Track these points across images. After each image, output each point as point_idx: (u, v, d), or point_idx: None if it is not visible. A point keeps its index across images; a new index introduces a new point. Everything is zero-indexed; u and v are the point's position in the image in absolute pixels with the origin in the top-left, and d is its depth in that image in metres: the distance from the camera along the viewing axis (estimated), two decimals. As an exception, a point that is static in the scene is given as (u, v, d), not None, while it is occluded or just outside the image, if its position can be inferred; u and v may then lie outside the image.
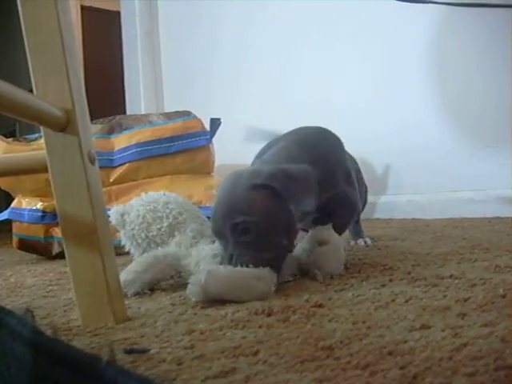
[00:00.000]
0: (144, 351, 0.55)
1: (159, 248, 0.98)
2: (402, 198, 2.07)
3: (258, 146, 1.09)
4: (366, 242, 1.32)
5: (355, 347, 0.51)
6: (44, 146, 0.69)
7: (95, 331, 0.65)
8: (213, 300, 0.76)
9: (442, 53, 2.02)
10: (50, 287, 1.02)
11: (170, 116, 1.74)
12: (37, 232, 1.58)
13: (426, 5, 1.80)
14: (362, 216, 1.41)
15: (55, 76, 0.67)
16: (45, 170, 0.69)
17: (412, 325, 0.58)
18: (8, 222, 1.64)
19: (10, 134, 4.24)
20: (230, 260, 0.84)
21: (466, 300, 0.67)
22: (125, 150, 1.65)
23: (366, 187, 1.40)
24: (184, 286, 0.91)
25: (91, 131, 0.75)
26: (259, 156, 1.06)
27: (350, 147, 1.18)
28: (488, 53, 1.92)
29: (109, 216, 1.01)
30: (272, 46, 2.51)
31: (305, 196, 0.90)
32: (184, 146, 1.65)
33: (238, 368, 0.48)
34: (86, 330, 0.66)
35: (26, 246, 1.63)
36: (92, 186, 0.69)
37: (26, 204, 1.61)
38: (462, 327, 0.56)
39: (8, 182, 1.61)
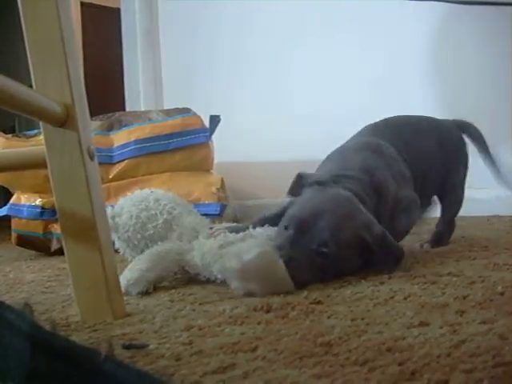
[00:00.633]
0: (143, 347, 0.55)
1: (159, 243, 0.95)
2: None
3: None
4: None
5: (354, 343, 0.51)
6: (43, 141, 0.69)
7: (94, 327, 0.65)
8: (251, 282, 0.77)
9: (441, 52, 2.02)
10: (49, 283, 1.02)
11: (170, 113, 1.74)
12: (36, 228, 1.57)
13: (424, 2, 1.79)
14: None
15: (55, 71, 0.67)
16: (44, 165, 0.69)
17: (410, 322, 0.58)
18: (7, 218, 1.63)
19: (10, 129, 4.23)
20: (287, 259, 0.81)
21: (464, 297, 0.67)
22: (124, 146, 1.64)
23: None
24: (185, 282, 0.91)
25: (91, 127, 0.75)
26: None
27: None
28: (487, 52, 1.92)
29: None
30: (272, 44, 2.51)
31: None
32: (183, 143, 1.65)
33: (236, 364, 0.48)
34: (84, 326, 0.66)
35: (25, 242, 1.62)
36: (91, 182, 0.68)
37: (25, 200, 1.60)
38: (461, 324, 0.56)
39: (7, 177, 1.61)
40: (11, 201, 1.63)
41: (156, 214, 0.99)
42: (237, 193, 1.99)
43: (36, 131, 1.64)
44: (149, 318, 0.68)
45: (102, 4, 4.44)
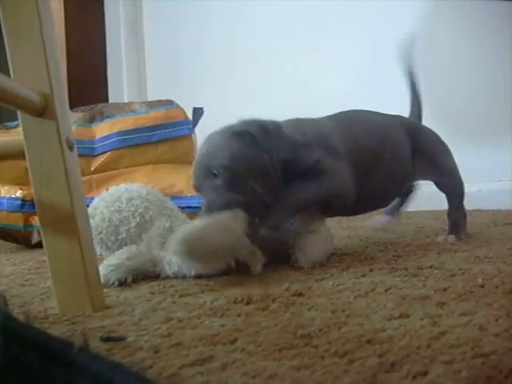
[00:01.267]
0: (121, 339, 0.54)
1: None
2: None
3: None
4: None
5: (334, 335, 0.51)
6: (21, 131, 0.67)
7: (72, 319, 0.64)
8: (196, 255, 0.77)
9: (430, 45, 2.02)
10: (29, 276, 1.01)
11: (153, 105, 1.73)
12: (16, 221, 1.56)
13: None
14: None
15: (33, 60, 0.66)
16: (22, 155, 0.68)
17: (391, 314, 0.58)
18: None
19: (-10, 121, 4.17)
20: (206, 208, 0.86)
21: (445, 290, 0.67)
22: (106, 138, 1.63)
23: None
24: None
25: (71, 118, 0.74)
26: None
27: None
28: (477, 45, 1.92)
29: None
30: (260, 36, 2.50)
31: (279, 148, 0.90)
32: (166, 135, 1.64)
33: (215, 356, 0.47)
34: (63, 318, 0.65)
35: (5, 234, 1.60)
36: (70, 173, 0.67)
37: (5, 192, 1.58)
38: (441, 316, 0.56)
39: (-13, 169, 1.59)
40: (-9, 193, 1.61)
41: (128, 216, 0.97)
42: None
43: (16, 122, 1.62)
44: (128, 310, 0.67)
45: (86, -5, 4.39)
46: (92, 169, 1.62)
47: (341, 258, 0.96)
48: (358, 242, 1.20)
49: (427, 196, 1.76)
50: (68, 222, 0.67)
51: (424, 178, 1.20)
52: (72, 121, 1.45)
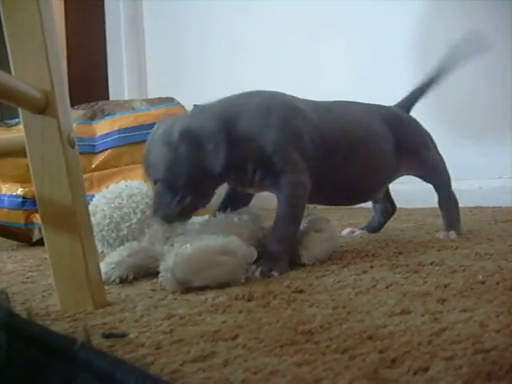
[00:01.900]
0: (123, 336, 0.54)
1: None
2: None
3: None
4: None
5: (335, 332, 0.51)
6: (22, 128, 0.68)
7: (74, 316, 0.64)
8: (185, 288, 0.75)
9: (428, 43, 2.02)
10: (30, 273, 1.01)
11: (153, 102, 1.73)
12: (17, 218, 1.56)
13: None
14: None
15: (34, 57, 0.66)
16: (24, 153, 0.68)
17: (392, 310, 0.58)
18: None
19: (-9, 119, 4.17)
20: (154, 214, 0.93)
21: (446, 286, 0.67)
22: (107, 135, 1.63)
23: None
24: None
25: (72, 115, 0.74)
26: None
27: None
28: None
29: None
30: (261, 34, 2.49)
31: (211, 154, 0.90)
32: (167, 133, 1.64)
33: (216, 352, 0.47)
34: (64, 315, 0.65)
35: (6, 232, 1.61)
36: (71, 170, 0.68)
37: (6, 190, 1.58)
38: (442, 312, 0.56)
39: (-12, 167, 1.59)
40: (-8, 190, 1.61)
41: (129, 212, 0.98)
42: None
43: (17, 120, 1.62)
44: (130, 307, 0.68)
45: (86, -8, 4.39)
46: (93, 166, 1.62)
47: (342, 255, 0.97)
48: (359, 238, 1.20)
49: (427, 193, 1.76)
50: (69, 219, 0.67)
51: (409, 174, 1.20)
52: (73, 118, 1.45)
